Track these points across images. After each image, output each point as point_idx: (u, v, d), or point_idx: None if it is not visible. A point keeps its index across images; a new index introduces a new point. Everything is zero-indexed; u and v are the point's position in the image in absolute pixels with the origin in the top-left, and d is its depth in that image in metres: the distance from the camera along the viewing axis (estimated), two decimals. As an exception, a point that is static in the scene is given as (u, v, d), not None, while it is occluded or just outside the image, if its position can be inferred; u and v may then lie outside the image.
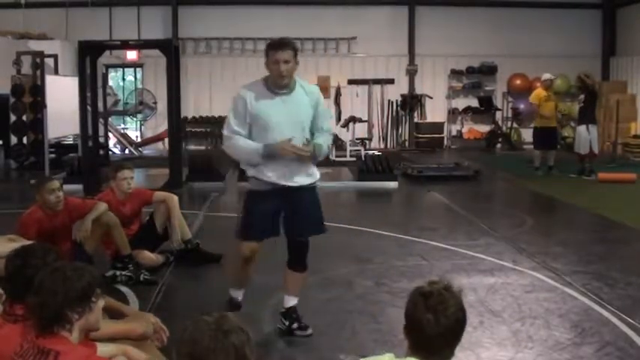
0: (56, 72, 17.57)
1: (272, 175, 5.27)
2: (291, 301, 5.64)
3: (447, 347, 2.78)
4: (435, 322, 2.71)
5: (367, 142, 20.32)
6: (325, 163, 17.74)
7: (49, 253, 3.43)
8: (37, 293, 2.95)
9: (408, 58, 22.62)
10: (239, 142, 5.24)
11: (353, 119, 19.85)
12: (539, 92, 15.39)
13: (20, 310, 3.20)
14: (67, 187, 8.92)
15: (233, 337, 2.39)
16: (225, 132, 5.31)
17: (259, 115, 5.18)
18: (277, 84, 5.18)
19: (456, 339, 2.80)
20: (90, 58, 13.27)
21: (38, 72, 16.26)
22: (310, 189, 5.46)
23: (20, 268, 3.34)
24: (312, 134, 5.39)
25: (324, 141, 5.41)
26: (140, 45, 17.98)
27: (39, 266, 3.22)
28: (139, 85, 22.66)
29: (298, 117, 5.26)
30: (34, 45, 17.84)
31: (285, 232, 5.52)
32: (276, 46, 5.11)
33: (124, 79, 24.79)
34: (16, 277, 3.33)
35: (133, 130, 23.45)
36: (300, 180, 5.34)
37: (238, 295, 5.81)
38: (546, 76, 15.61)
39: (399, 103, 22.42)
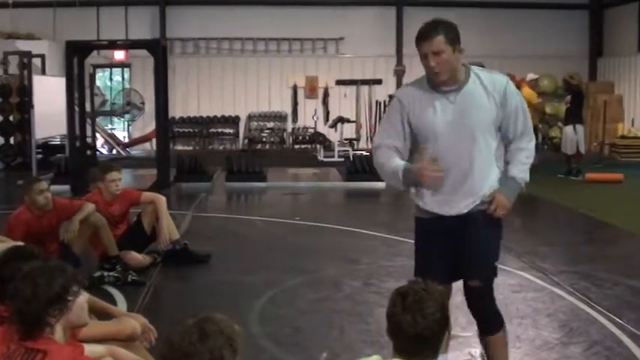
0: (43, 72, 17.53)
1: (426, 199, 4.08)
2: None
3: (426, 348, 2.74)
4: (412, 322, 2.68)
5: (355, 142, 20.35)
6: (313, 163, 17.88)
7: (28, 256, 3.38)
8: (12, 300, 2.94)
9: (395, 58, 22.64)
10: (381, 159, 4.06)
11: (341, 120, 19.88)
12: (529, 92, 15.44)
13: (6, 312, 3.18)
14: (55, 187, 8.89)
15: (210, 342, 2.37)
16: (374, 140, 4.25)
17: (419, 123, 3.98)
18: (435, 82, 3.94)
19: (437, 340, 2.75)
20: (77, 58, 13.22)
21: (25, 72, 16.20)
22: (482, 215, 4.03)
23: None
24: (508, 143, 4.09)
25: (519, 168, 4.06)
26: (128, 45, 17.94)
27: (14, 269, 3.18)
28: (127, 86, 22.62)
29: (467, 122, 3.93)
30: (22, 45, 17.77)
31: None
32: (420, 36, 3.90)
33: (111, 79, 24.73)
34: None
35: (120, 130, 23.41)
36: (467, 204, 4.01)
37: None
38: (530, 76, 15.68)
39: (387, 103, 22.41)
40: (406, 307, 2.70)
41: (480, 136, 3.94)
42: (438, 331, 2.73)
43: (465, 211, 4.00)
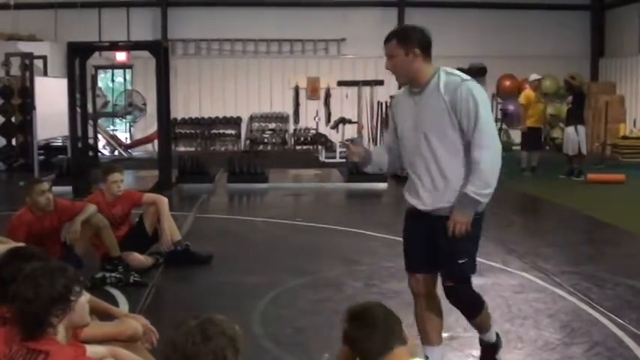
0: (45, 73, 17.55)
1: (407, 192, 4.39)
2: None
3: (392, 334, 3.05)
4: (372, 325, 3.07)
5: (357, 143, 20.31)
6: (315, 164, 17.88)
7: (29, 257, 3.38)
8: (13, 301, 2.94)
9: (397, 59, 22.59)
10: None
11: (342, 120, 19.86)
12: (528, 93, 15.44)
13: (8, 313, 3.18)
14: (57, 188, 8.90)
15: (212, 343, 2.39)
16: None
17: (396, 122, 4.39)
18: (399, 83, 4.42)
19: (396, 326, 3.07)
20: (79, 60, 13.22)
21: (27, 73, 16.22)
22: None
23: None
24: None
25: (472, 183, 4.01)
26: (129, 46, 17.94)
27: (15, 270, 3.18)
28: (129, 87, 22.64)
29: (422, 123, 4.12)
30: (23, 46, 17.79)
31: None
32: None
33: (113, 81, 24.75)
34: None
35: (122, 131, 23.42)
36: (432, 202, 4.20)
37: (432, 353, 4.46)
38: (533, 76, 15.68)
39: (388, 104, 22.41)
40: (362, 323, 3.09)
41: (434, 138, 4.07)
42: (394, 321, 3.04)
43: (431, 208, 4.18)
